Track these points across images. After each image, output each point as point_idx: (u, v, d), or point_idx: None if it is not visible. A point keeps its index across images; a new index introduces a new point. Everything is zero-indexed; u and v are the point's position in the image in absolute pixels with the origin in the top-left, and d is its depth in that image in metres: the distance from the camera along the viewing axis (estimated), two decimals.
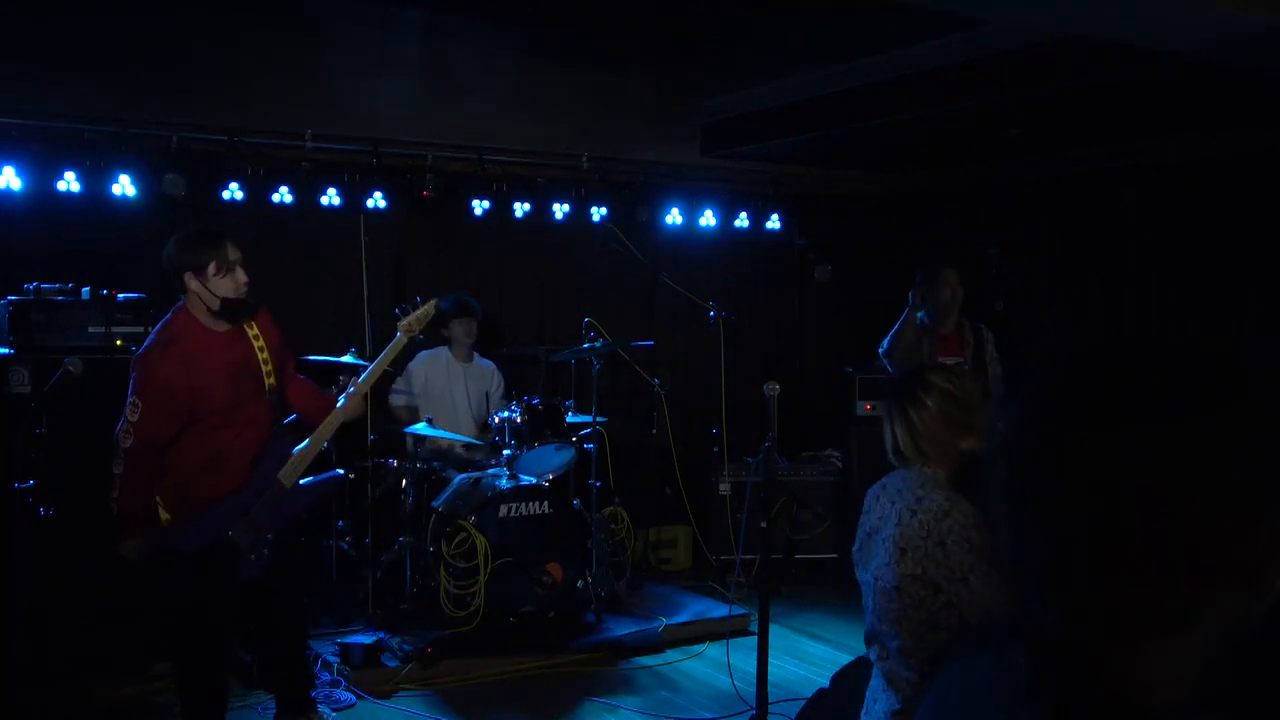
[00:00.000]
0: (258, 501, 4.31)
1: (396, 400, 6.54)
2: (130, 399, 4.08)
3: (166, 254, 4.21)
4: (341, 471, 5.23)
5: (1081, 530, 0.98)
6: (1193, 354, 1.02)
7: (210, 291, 4.14)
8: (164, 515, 4.22)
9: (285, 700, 4.66)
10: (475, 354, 6.76)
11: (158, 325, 4.29)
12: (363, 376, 4.60)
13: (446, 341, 6.64)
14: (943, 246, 7.44)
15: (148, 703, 5.13)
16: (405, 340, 4.73)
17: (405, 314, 4.72)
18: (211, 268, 4.13)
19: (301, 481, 4.49)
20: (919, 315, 6.09)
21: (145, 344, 4.24)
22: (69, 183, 5.84)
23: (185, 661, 4.38)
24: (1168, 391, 0.99)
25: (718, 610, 6.41)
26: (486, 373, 6.79)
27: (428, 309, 4.74)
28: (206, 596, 4.26)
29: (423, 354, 6.63)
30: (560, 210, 7.24)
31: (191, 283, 4.15)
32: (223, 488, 4.24)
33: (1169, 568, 0.95)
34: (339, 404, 4.54)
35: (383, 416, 6.37)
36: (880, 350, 6.18)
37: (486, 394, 6.63)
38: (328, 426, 4.52)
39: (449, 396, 6.57)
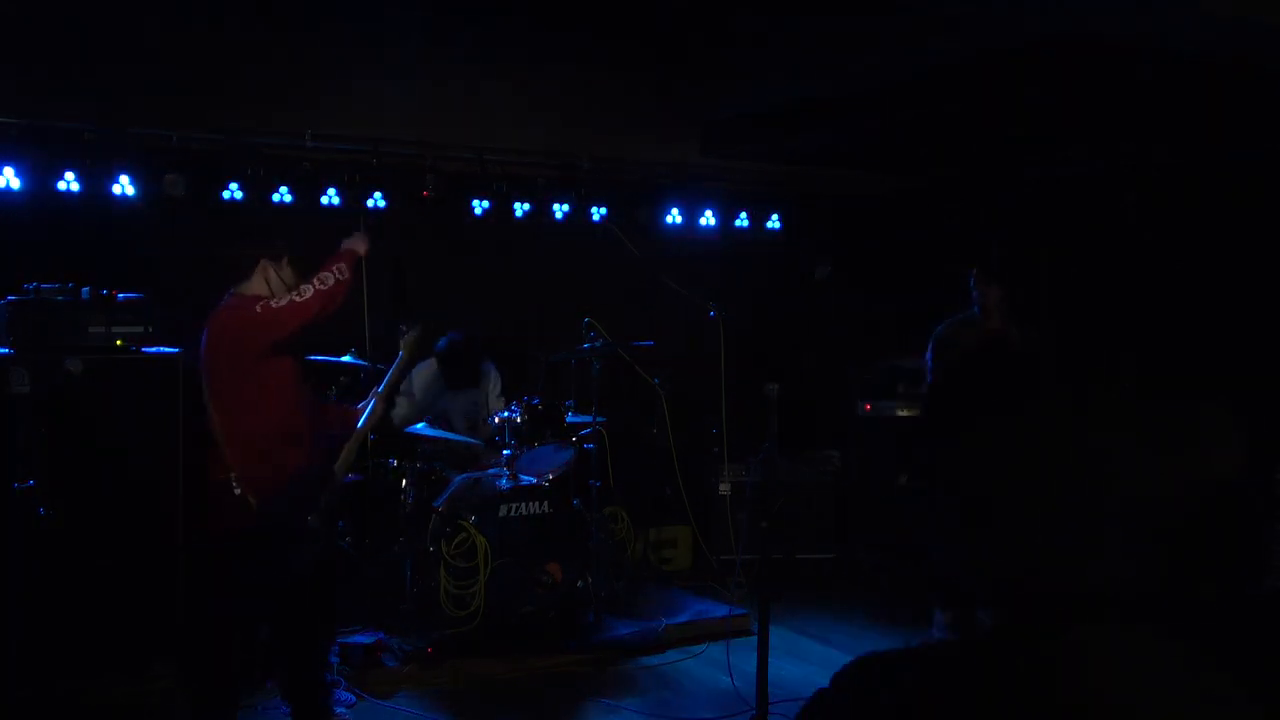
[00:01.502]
0: (323, 490, 4.39)
1: (398, 411, 6.57)
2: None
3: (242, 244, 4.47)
4: (353, 475, 5.26)
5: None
6: (1021, 359, 1.27)
7: (282, 281, 4.40)
8: (251, 500, 4.22)
9: (304, 712, 4.60)
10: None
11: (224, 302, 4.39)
12: (381, 387, 4.77)
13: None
14: (992, 247, 7.44)
15: (146, 702, 5.13)
16: (407, 357, 4.87)
17: (404, 334, 4.87)
18: (286, 260, 4.43)
19: None
20: (974, 310, 6.12)
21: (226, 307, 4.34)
22: (69, 183, 5.84)
23: (218, 655, 4.39)
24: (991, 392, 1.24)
25: (718, 610, 6.41)
26: (483, 375, 6.80)
27: (417, 334, 4.89)
28: (287, 585, 4.32)
29: (421, 364, 6.67)
30: (560, 210, 7.24)
31: (269, 270, 4.39)
32: (296, 463, 4.32)
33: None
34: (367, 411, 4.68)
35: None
36: (926, 360, 6.18)
37: (475, 403, 6.68)
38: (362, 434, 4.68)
39: (441, 405, 6.65)
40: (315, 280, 4.25)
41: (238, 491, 4.17)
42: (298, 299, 4.18)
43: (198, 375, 4.35)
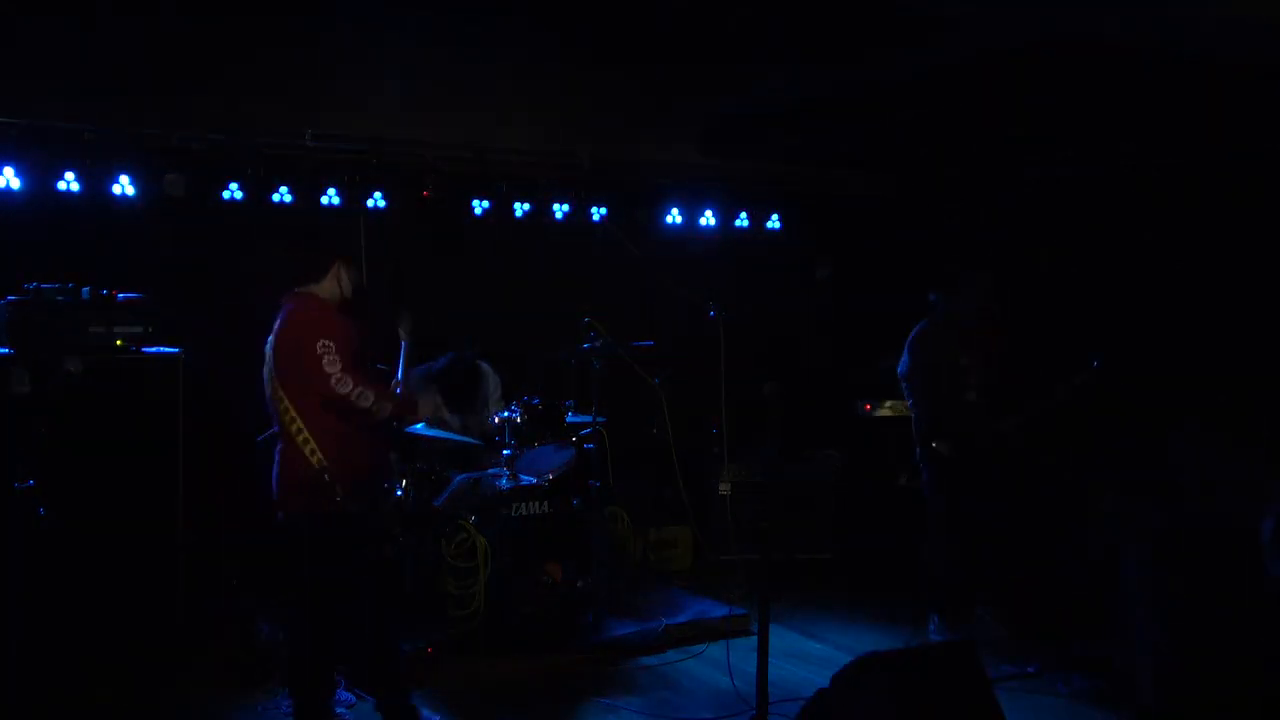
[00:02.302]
0: (384, 484, 4.58)
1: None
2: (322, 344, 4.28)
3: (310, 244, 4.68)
4: None
5: None
6: None
7: (349, 281, 4.58)
8: (339, 491, 4.32)
9: (387, 700, 4.66)
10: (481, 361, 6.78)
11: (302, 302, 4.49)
12: (400, 374, 5.04)
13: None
14: (968, 247, 7.45)
15: (145, 701, 5.13)
16: (411, 344, 5.12)
17: (400, 322, 5.12)
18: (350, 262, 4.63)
19: None
20: (942, 312, 6.12)
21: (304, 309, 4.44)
22: (69, 183, 5.85)
23: (320, 626, 4.49)
24: None
25: (718, 610, 6.41)
26: (483, 377, 6.79)
27: (409, 321, 5.15)
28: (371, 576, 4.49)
29: (418, 369, 6.66)
30: (560, 210, 7.24)
31: (340, 272, 4.54)
32: (374, 453, 4.51)
33: None
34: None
35: None
36: (901, 372, 6.18)
37: (468, 426, 6.68)
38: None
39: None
40: (373, 389, 4.34)
41: (327, 479, 4.29)
42: (341, 387, 4.25)
43: (278, 362, 4.41)
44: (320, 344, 4.26)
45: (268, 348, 4.50)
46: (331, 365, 4.25)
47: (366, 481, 4.48)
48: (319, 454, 4.31)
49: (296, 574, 4.51)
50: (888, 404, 7.58)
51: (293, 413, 4.34)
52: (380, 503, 4.60)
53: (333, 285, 4.53)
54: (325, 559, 4.41)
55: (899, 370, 6.19)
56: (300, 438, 4.32)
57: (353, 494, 4.34)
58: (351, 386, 4.26)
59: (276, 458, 4.47)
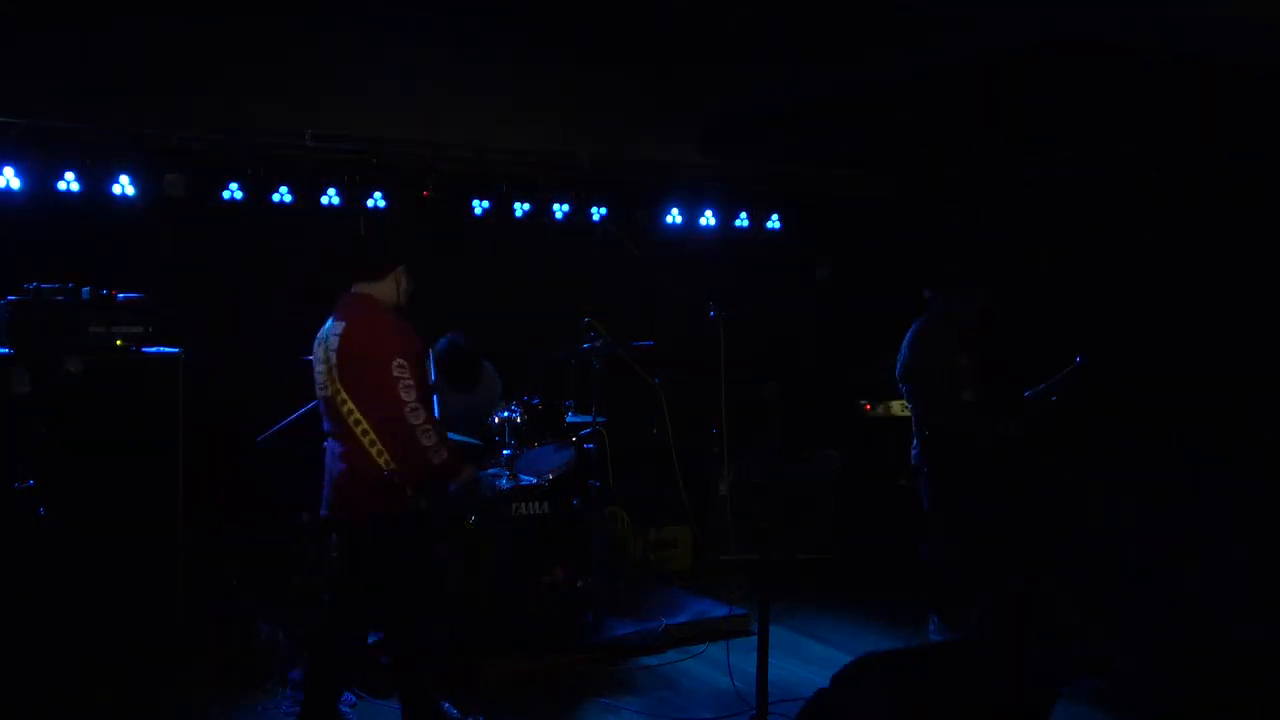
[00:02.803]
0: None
1: None
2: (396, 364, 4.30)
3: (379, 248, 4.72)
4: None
5: None
6: None
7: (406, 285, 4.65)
8: (408, 491, 4.37)
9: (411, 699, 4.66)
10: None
11: (373, 307, 4.51)
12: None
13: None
14: (967, 247, 7.45)
15: (145, 701, 5.14)
16: None
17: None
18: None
19: None
20: (939, 311, 6.11)
21: (379, 318, 4.45)
22: (69, 183, 5.85)
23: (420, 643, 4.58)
24: None
25: (718, 610, 6.41)
26: (484, 372, 6.79)
27: None
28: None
29: None
30: (560, 210, 7.24)
31: (401, 276, 4.59)
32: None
33: None
34: None
35: None
36: (898, 371, 6.18)
37: (474, 405, 6.66)
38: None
39: (441, 403, 6.62)
40: (436, 429, 4.37)
41: (395, 480, 4.31)
42: (413, 418, 4.30)
43: (344, 364, 4.39)
44: (397, 364, 4.28)
45: (325, 345, 4.45)
46: (407, 393, 4.27)
47: (427, 480, 4.49)
48: (386, 455, 4.31)
49: (361, 575, 4.50)
50: (896, 404, 7.57)
51: (357, 414, 4.33)
52: (440, 501, 4.64)
53: (391, 289, 4.56)
54: (396, 557, 4.44)
55: (897, 369, 6.19)
56: (367, 439, 4.32)
57: (420, 493, 4.37)
58: (422, 420, 4.30)
59: (338, 459, 4.44)
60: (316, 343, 4.55)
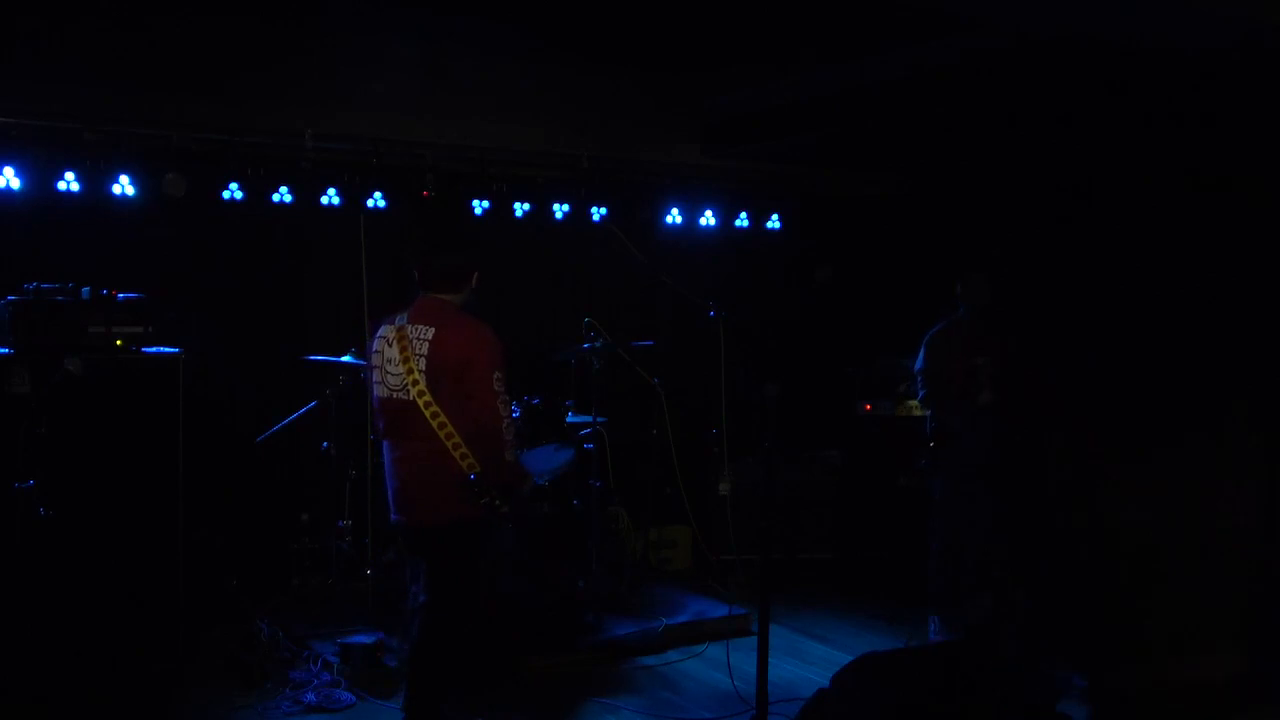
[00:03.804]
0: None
1: None
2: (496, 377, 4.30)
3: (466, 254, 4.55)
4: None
5: None
6: None
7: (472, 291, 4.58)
8: (495, 495, 4.32)
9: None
10: None
11: (462, 315, 4.47)
12: None
13: None
14: (968, 247, 7.44)
15: (146, 701, 5.14)
16: None
17: None
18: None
19: None
20: (960, 312, 6.12)
21: (476, 328, 4.41)
22: (69, 183, 5.84)
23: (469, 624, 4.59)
24: None
25: (718, 610, 6.42)
26: None
27: None
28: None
29: None
30: (560, 210, 7.25)
31: (475, 283, 4.56)
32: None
33: None
34: None
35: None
36: (916, 368, 6.19)
37: None
38: None
39: None
40: (516, 445, 4.37)
41: (478, 486, 4.23)
42: (507, 433, 4.31)
43: (436, 372, 4.31)
44: (496, 377, 4.25)
45: (404, 347, 4.33)
46: (505, 408, 4.26)
47: (506, 488, 4.41)
48: (471, 459, 4.25)
49: (447, 578, 4.45)
50: (902, 405, 7.56)
51: (444, 420, 4.26)
52: (517, 506, 4.63)
53: (467, 295, 4.50)
54: (474, 561, 4.45)
55: (916, 368, 6.21)
56: (451, 442, 4.25)
57: (505, 499, 4.30)
58: (512, 436, 4.28)
59: (419, 464, 4.34)
60: (378, 342, 4.44)
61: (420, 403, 4.27)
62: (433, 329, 4.33)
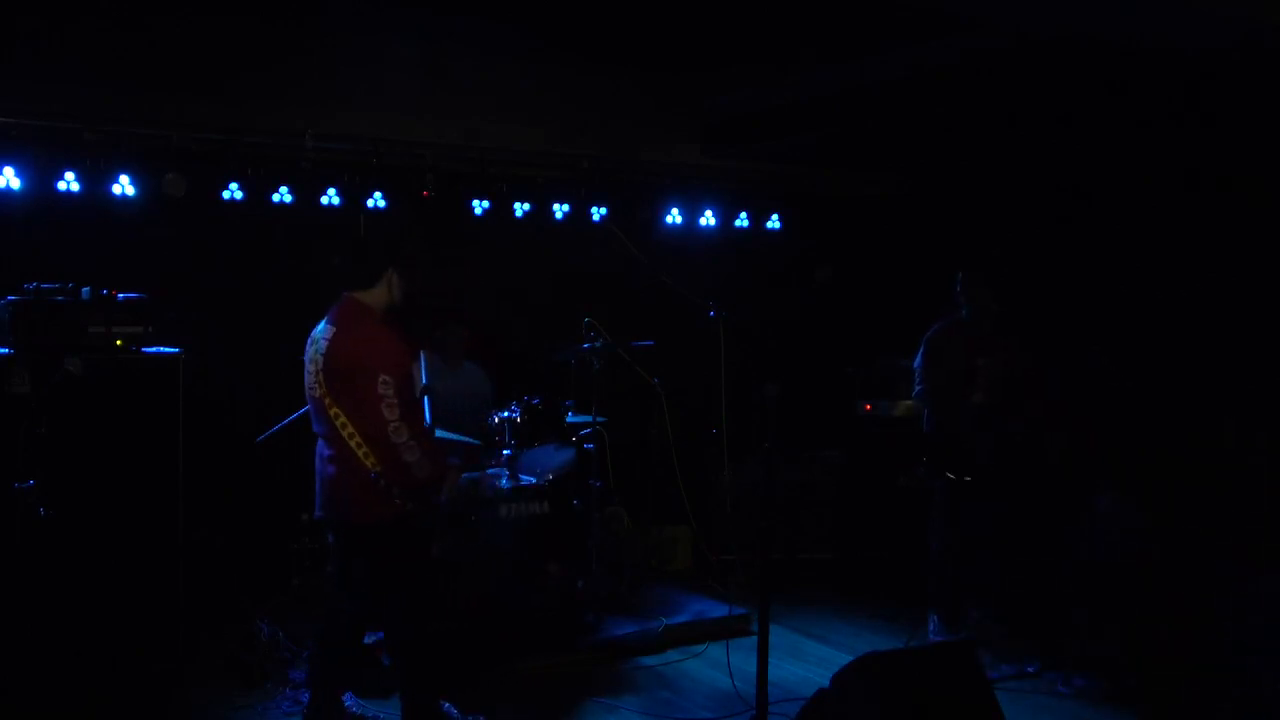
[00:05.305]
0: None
1: None
2: (382, 380, 4.25)
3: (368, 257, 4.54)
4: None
5: None
6: None
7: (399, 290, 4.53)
8: (397, 494, 4.36)
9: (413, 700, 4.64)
10: (466, 360, 6.76)
11: (364, 317, 4.45)
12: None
13: (440, 345, 6.65)
14: (968, 247, 7.44)
15: (146, 701, 5.14)
16: None
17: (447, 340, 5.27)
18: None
19: None
20: (962, 313, 6.11)
21: (371, 331, 4.38)
22: (69, 183, 5.84)
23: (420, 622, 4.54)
24: None
25: (718, 610, 6.41)
26: (478, 377, 6.79)
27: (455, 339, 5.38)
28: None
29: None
30: (560, 210, 7.25)
31: (394, 281, 4.50)
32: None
33: None
34: None
35: None
36: (915, 365, 6.18)
37: (476, 392, 6.66)
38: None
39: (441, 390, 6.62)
40: (420, 446, 4.29)
41: (382, 484, 4.28)
42: (395, 436, 4.23)
43: (330, 373, 4.35)
44: (382, 381, 4.21)
45: (315, 347, 4.42)
46: (390, 411, 4.22)
47: (413, 487, 4.43)
48: (372, 458, 4.28)
49: (355, 574, 4.54)
50: (901, 405, 7.56)
51: (345, 420, 4.30)
52: (431, 502, 4.61)
53: (383, 293, 4.47)
54: (390, 559, 4.43)
55: (914, 368, 6.21)
56: (354, 442, 4.28)
57: (407, 497, 4.34)
58: (405, 438, 4.24)
59: (328, 462, 4.42)
60: (308, 343, 4.53)
61: (324, 403, 4.36)
62: (334, 329, 4.40)
